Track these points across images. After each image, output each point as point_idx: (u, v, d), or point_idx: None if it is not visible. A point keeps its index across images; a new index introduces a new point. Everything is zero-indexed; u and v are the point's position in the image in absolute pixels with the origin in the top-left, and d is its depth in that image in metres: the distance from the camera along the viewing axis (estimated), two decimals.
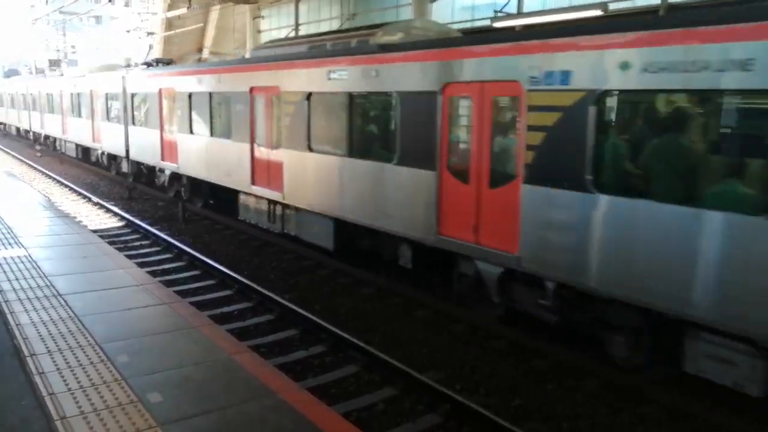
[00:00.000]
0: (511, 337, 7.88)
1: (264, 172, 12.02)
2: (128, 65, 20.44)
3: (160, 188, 17.95)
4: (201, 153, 14.43)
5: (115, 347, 5.09)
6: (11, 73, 46.75)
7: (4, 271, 7.12)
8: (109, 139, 20.69)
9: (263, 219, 12.60)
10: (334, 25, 23.35)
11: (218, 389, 4.42)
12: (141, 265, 10.01)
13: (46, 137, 31.21)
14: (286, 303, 8.77)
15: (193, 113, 14.64)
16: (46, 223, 9.88)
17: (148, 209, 16.69)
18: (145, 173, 19.26)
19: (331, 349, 7.62)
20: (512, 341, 7.82)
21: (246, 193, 13.05)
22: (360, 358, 7.26)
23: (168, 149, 16.15)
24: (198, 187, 15.62)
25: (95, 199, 17.26)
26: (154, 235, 13.07)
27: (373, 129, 9.95)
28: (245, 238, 13.39)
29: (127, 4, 55.11)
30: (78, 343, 5.17)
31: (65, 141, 27.17)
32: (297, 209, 11.39)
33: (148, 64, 19.15)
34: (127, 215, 14.94)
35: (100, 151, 22.49)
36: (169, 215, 15.75)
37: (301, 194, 10.98)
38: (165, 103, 16.10)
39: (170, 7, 30.52)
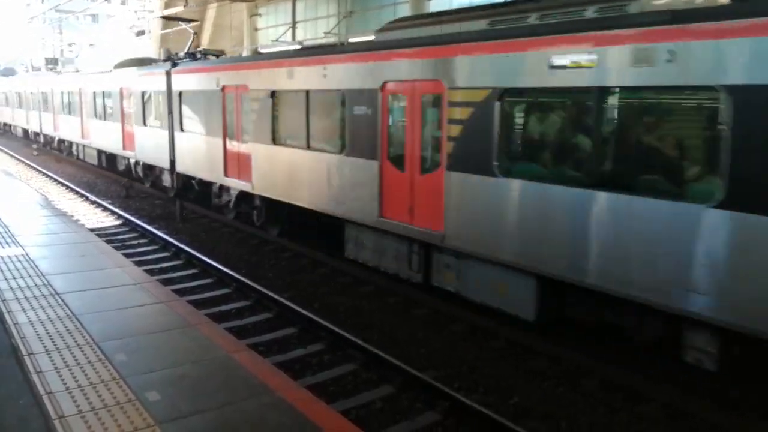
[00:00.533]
0: (509, 337, 7.87)
1: (403, 201, 8.77)
2: (169, 58, 16.79)
3: (217, 209, 14.86)
4: (289, 170, 11.17)
5: (112, 346, 5.08)
6: (7, 71, 46.57)
7: (2, 270, 7.09)
8: (146, 147, 17.40)
9: (395, 263, 9.41)
10: (331, 23, 23.33)
11: (216, 388, 4.41)
12: (138, 263, 9.98)
13: (61, 141, 27.86)
14: (285, 301, 8.76)
15: (279, 118, 11.43)
16: (44, 222, 9.85)
17: (146, 207, 16.65)
18: (196, 189, 15.72)
19: (329, 348, 7.62)
20: (511, 341, 7.81)
21: (364, 227, 9.84)
22: (358, 356, 7.25)
23: (235, 163, 12.90)
24: (276, 210, 12.47)
25: (92, 197, 17.22)
26: (152, 233, 13.05)
27: (660, 146, 6.24)
28: (243, 236, 13.36)
29: (123, 2, 54.96)
30: (76, 341, 5.15)
31: (84, 146, 23.83)
32: (459, 255, 8.23)
33: (192, 56, 16.10)
34: (124, 214, 14.91)
35: (133, 161, 19.14)
36: (166, 214, 15.72)
37: (481, 237, 7.61)
38: (231, 104, 12.92)
39: (167, 5, 30.48)
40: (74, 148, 25.83)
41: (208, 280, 10.22)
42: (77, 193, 18.42)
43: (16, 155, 28.14)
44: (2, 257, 7.63)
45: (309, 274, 10.71)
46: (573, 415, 6.16)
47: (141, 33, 38.45)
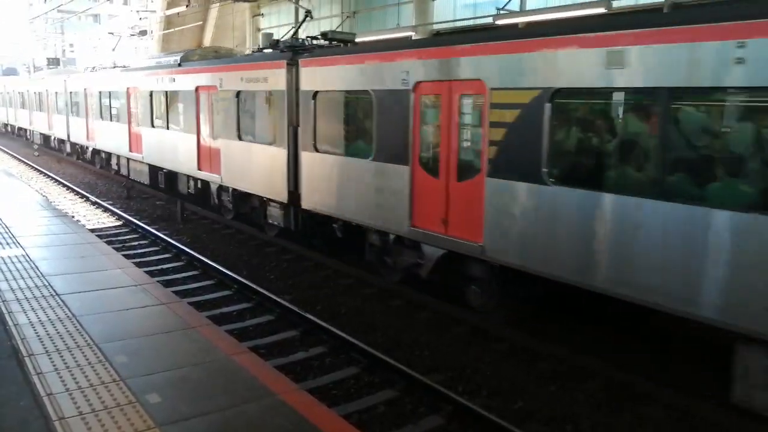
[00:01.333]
0: (513, 339, 7.83)
1: None
2: (277, 45, 12.28)
3: (373, 269, 10.19)
4: (598, 233, 6.41)
5: (113, 347, 5.05)
6: (9, 71, 46.66)
7: (2, 271, 7.07)
8: (240, 170, 12.89)
9: None
10: (335, 23, 23.30)
11: (217, 390, 4.37)
12: (139, 264, 9.95)
13: (96, 152, 22.89)
14: (286, 303, 8.72)
15: (570, 140, 6.95)
16: (44, 223, 9.82)
17: (147, 208, 16.63)
18: (338, 236, 10.72)
19: (331, 350, 7.57)
20: (514, 343, 7.77)
21: None
22: (361, 359, 7.21)
23: (438, 207, 8.31)
24: (519, 288, 7.96)
25: (93, 198, 17.21)
26: (153, 234, 13.02)
27: None
28: (244, 237, 13.33)
29: (125, 2, 55.00)
30: (76, 343, 5.12)
31: (130, 160, 18.96)
32: None
33: (305, 43, 11.85)
34: (125, 215, 14.90)
35: (215, 187, 14.37)
36: (167, 215, 15.69)
37: None
38: (432, 113, 8.45)
39: (169, 5, 30.49)
40: (114, 161, 20.54)
41: (209, 282, 10.18)
42: (78, 193, 18.42)
43: (17, 155, 28.15)
44: (3, 258, 7.61)
45: (311, 276, 10.67)
46: (577, 418, 6.12)
47: (143, 33, 38.49)
